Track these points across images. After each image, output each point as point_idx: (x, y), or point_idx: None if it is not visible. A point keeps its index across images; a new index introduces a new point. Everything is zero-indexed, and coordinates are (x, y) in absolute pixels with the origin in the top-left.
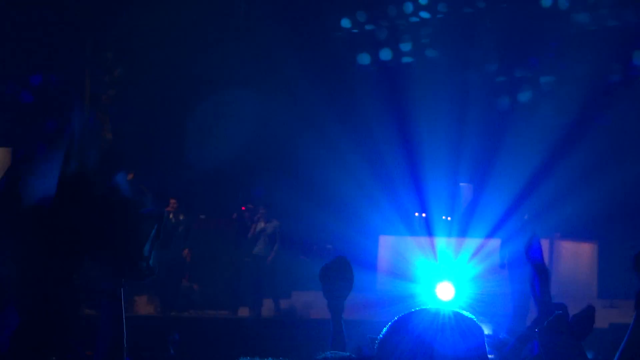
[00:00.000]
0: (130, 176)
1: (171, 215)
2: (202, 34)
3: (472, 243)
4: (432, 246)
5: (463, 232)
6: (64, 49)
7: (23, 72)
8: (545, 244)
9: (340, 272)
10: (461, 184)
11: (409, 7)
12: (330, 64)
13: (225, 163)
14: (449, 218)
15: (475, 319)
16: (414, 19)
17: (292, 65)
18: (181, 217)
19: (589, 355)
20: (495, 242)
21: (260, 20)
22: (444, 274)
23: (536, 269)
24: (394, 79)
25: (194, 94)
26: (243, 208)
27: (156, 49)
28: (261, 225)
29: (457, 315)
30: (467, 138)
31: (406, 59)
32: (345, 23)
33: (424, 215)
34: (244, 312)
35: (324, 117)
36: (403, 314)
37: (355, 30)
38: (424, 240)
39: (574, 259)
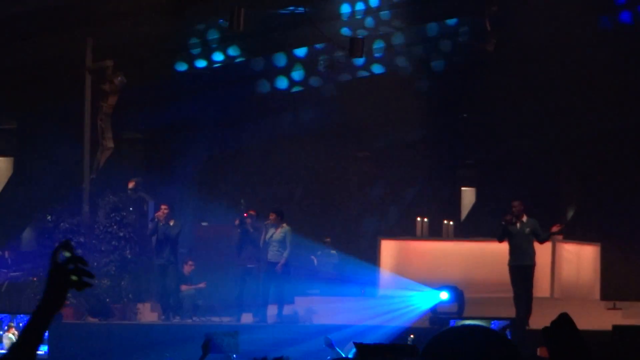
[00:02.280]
0: (131, 184)
1: (162, 222)
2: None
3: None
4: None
5: (464, 234)
6: (63, 58)
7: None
8: (547, 246)
9: None
10: (463, 188)
11: None
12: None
13: (226, 168)
14: (450, 222)
15: (505, 336)
16: None
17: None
18: (171, 223)
19: None
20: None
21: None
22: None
23: None
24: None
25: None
26: (245, 215)
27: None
28: (272, 231)
29: (491, 333)
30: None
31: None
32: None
33: (425, 219)
34: (247, 318)
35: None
36: (442, 331)
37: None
38: (426, 244)
39: (576, 260)
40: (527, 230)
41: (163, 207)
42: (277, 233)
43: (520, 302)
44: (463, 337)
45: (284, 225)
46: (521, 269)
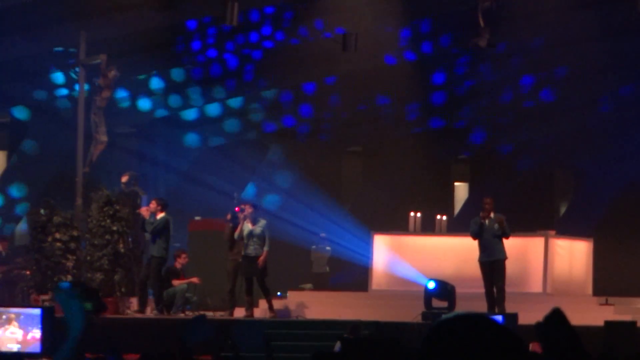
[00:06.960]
0: (124, 177)
1: (146, 216)
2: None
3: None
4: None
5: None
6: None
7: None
8: (540, 241)
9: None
10: (456, 183)
11: None
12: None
13: (219, 162)
14: (443, 217)
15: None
16: None
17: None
18: (158, 217)
19: None
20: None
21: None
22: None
23: None
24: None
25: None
26: (237, 209)
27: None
28: (249, 226)
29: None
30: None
31: None
32: None
33: (418, 214)
34: (239, 312)
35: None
36: (441, 321)
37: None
38: (418, 238)
39: (569, 256)
40: (496, 226)
41: (153, 201)
42: (257, 228)
43: (492, 297)
44: (464, 328)
45: (261, 219)
46: (493, 264)
